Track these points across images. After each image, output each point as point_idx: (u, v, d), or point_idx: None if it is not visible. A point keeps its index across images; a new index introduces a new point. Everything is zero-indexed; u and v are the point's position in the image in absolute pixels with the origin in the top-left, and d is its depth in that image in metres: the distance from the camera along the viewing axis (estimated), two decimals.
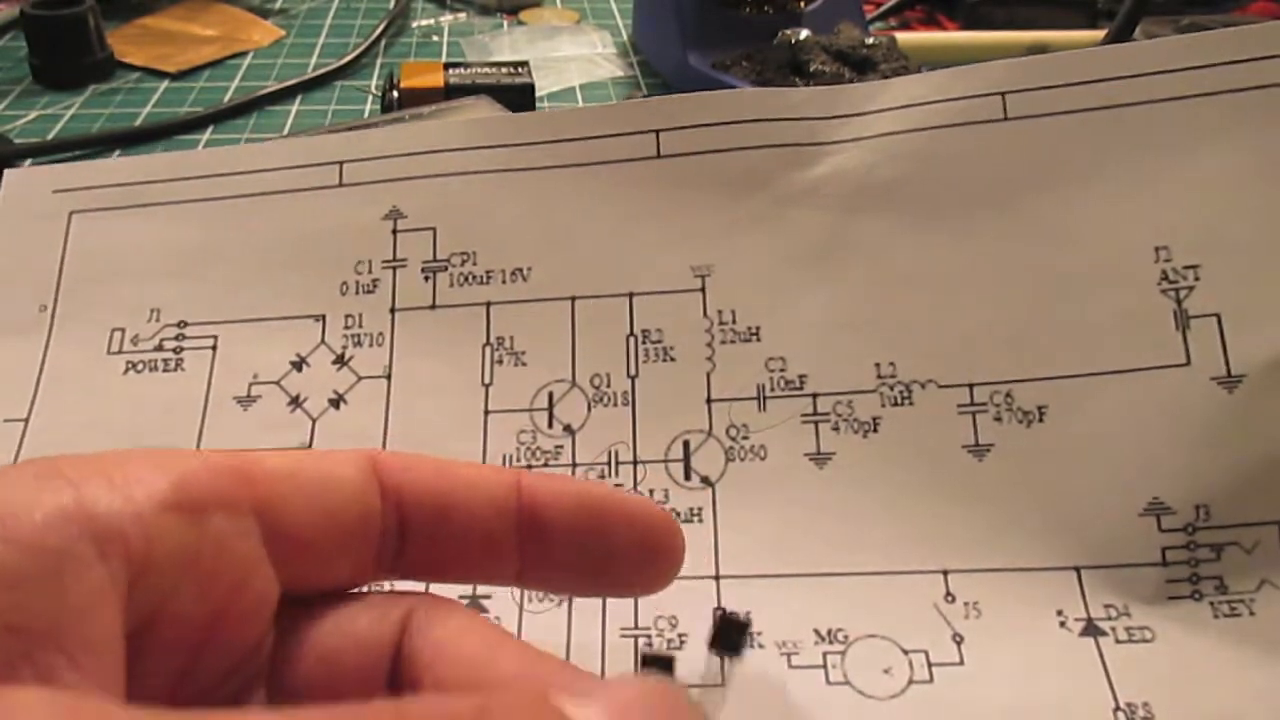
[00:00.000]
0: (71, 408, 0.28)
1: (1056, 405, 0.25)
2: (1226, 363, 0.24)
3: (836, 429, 0.25)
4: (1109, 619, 0.23)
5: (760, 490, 0.25)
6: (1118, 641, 0.22)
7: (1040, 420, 0.25)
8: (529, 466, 0.26)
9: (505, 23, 0.67)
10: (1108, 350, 0.25)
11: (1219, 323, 0.24)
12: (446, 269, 0.28)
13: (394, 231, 0.29)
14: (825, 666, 0.23)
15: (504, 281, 0.28)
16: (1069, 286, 0.25)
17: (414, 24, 0.66)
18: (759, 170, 0.28)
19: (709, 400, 0.26)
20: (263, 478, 0.16)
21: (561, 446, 0.26)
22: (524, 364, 0.27)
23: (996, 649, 0.22)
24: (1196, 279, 0.25)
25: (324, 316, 0.28)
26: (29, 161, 0.47)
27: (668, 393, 0.26)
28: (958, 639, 0.23)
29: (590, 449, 0.26)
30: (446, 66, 0.51)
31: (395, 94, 0.49)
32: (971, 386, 0.25)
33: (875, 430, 0.25)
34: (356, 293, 0.28)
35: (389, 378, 0.27)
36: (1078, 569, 0.23)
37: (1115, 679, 0.22)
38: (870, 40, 0.50)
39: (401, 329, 0.28)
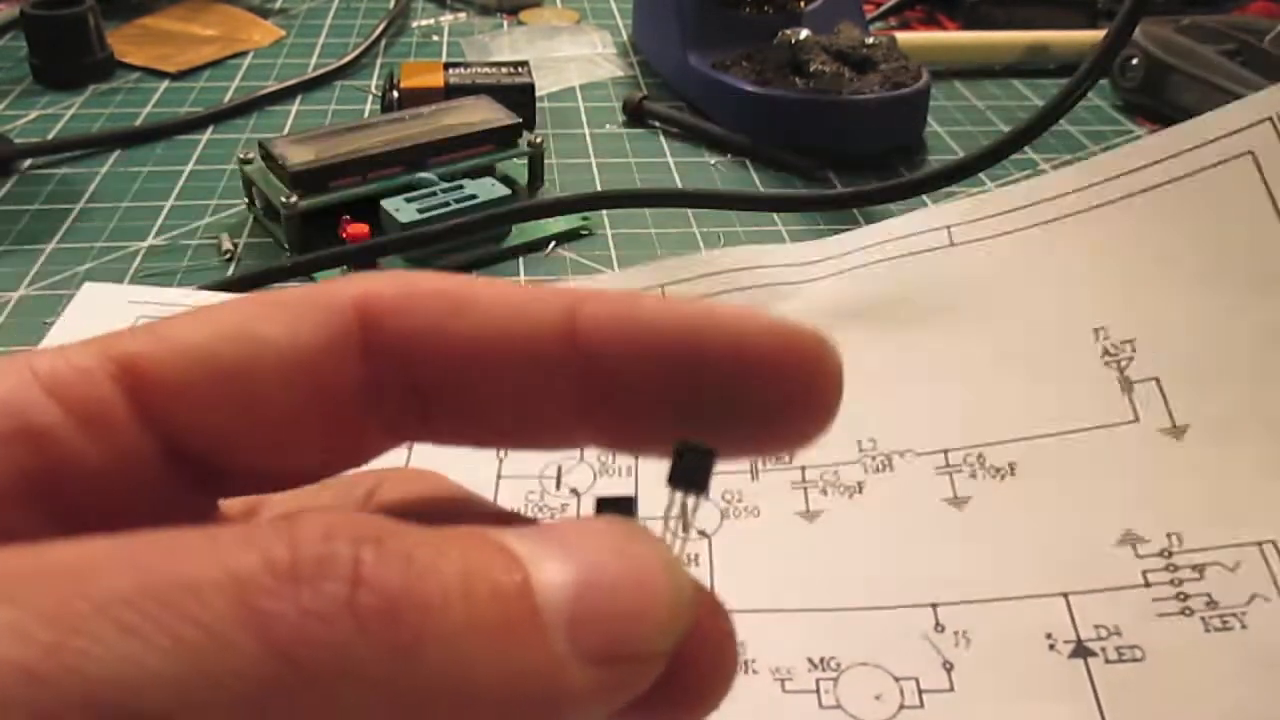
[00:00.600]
0: None
1: (1025, 462, 0.27)
2: (1171, 417, 0.27)
3: (824, 492, 0.27)
4: (1099, 639, 0.23)
5: (754, 541, 0.27)
6: (1107, 662, 0.23)
7: (1012, 474, 0.27)
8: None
9: (505, 23, 0.67)
10: (1065, 413, 0.28)
11: (1159, 385, 0.27)
12: None
13: None
14: (818, 691, 0.23)
15: None
16: (1023, 367, 0.29)
17: (414, 24, 0.66)
18: (749, 305, 0.31)
19: None
20: (151, 371, 0.12)
21: (568, 505, 0.28)
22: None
23: (986, 675, 0.23)
24: (1134, 351, 0.28)
25: None
26: (29, 162, 0.47)
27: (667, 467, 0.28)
28: (948, 666, 0.23)
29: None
30: (446, 66, 0.51)
31: (395, 94, 0.49)
32: (946, 452, 0.28)
33: (860, 492, 0.27)
34: None
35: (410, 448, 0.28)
36: (1066, 595, 0.24)
37: (1104, 700, 0.22)
38: (870, 40, 0.50)
39: None
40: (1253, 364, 0.27)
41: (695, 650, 0.12)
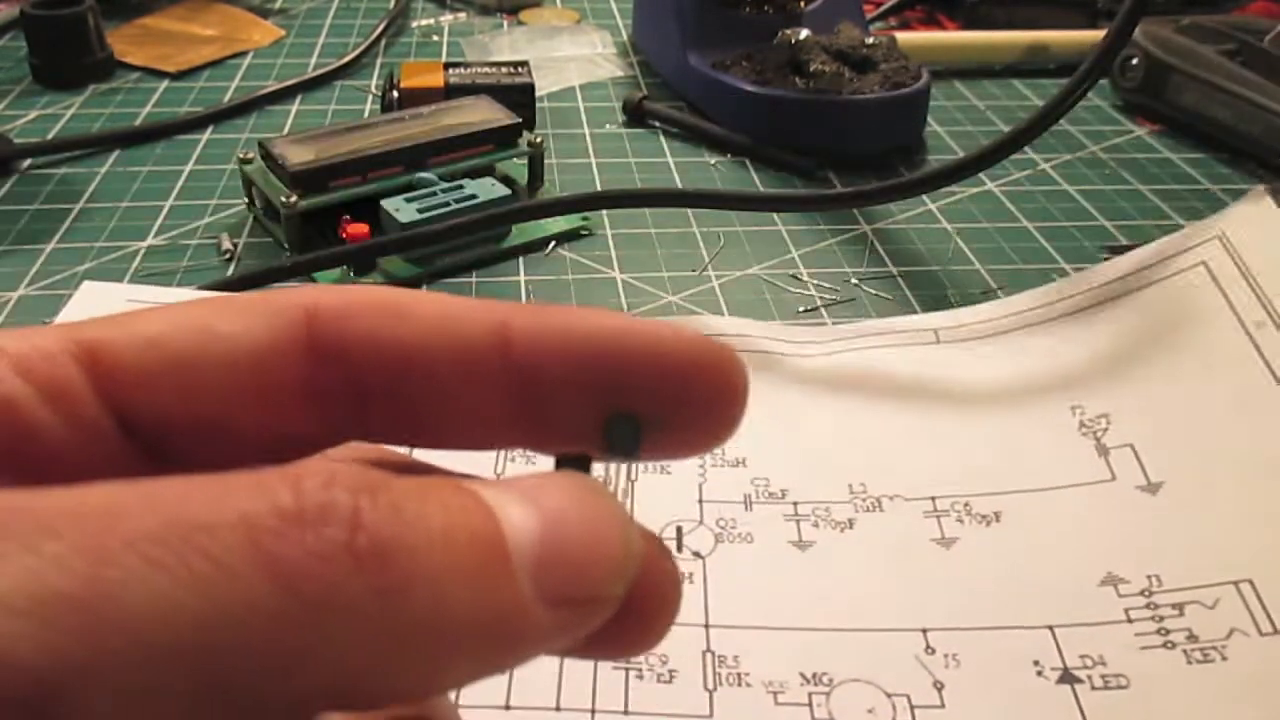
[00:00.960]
0: None
1: (1009, 512, 0.28)
2: (1146, 475, 0.29)
3: (816, 525, 0.28)
4: (1085, 668, 0.24)
5: (747, 564, 0.27)
6: (1093, 689, 0.23)
7: (997, 521, 0.28)
8: None
9: (505, 23, 0.67)
10: (1046, 473, 0.29)
11: (1134, 450, 0.30)
12: None
13: None
14: (810, 705, 0.23)
15: None
16: (1006, 435, 0.31)
17: (414, 24, 0.66)
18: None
19: (700, 501, 0.29)
20: (111, 355, 0.14)
21: None
22: (533, 464, 0.30)
23: (976, 695, 0.24)
24: (1108, 424, 0.31)
25: None
26: (29, 161, 0.47)
27: (664, 494, 0.29)
28: (938, 685, 0.24)
29: None
30: (446, 66, 0.51)
31: (395, 94, 0.49)
32: (934, 499, 0.29)
33: (851, 528, 0.28)
34: None
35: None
36: (1051, 627, 0.25)
37: None
38: (870, 40, 0.50)
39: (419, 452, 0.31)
40: (1219, 427, 0.29)
41: (643, 589, 0.13)
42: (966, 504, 0.29)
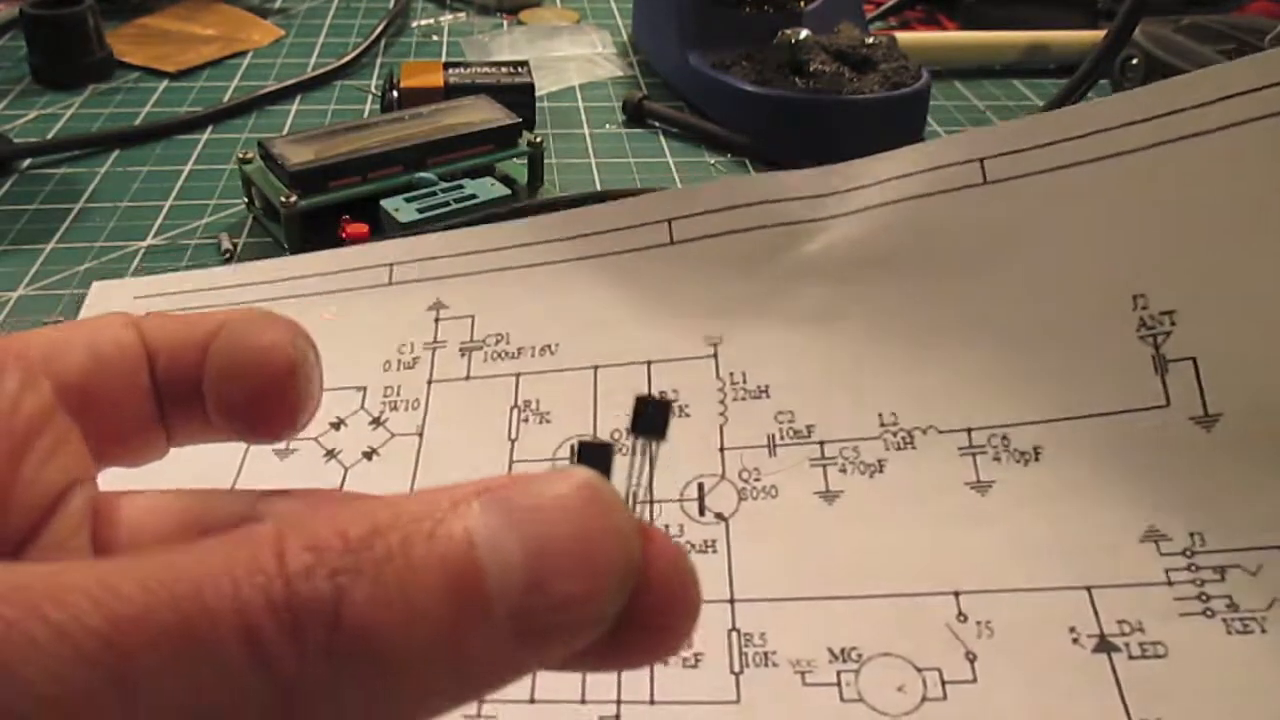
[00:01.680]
0: None
1: (1050, 446, 0.26)
2: (1204, 404, 0.25)
3: (844, 470, 0.27)
4: (1122, 634, 0.23)
5: (772, 524, 0.26)
6: (1130, 658, 0.23)
7: (1036, 460, 0.26)
8: None
9: (505, 22, 0.67)
10: (1094, 394, 0.26)
11: (1195, 366, 0.26)
12: (481, 348, 0.32)
13: (436, 320, 0.33)
14: (839, 684, 0.23)
15: (533, 356, 0.31)
16: (1055, 336, 0.27)
17: (414, 24, 0.66)
18: (762, 249, 0.32)
19: (722, 449, 0.28)
20: (38, 341, 0.17)
21: None
22: (548, 422, 0.29)
23: (1009, 666, 0.23)
24: (1173, 324, 0.26)
25: (365, 388, 0.31)
26: (29, 161, 0.47)
27: (683, 443, 0.28)
28: (971, 657, 0.23)
29: None
30: (446, 66, 0.51)
31: (395, 94, 0.49)
32: (970, 431, 0.27)
33: (881, 471, 0.27)
34: (398, 369, 0.31)
35: (421, 435, 0.30)
36: (1089, 588, 0.24)
37: (1128, 696, 0.22)
38: (870, 40, 0.50)
39: (436, 396, 0.31)
40: None
41: (653, 594, 0.13)
42: (1005, 437, 0.26)
